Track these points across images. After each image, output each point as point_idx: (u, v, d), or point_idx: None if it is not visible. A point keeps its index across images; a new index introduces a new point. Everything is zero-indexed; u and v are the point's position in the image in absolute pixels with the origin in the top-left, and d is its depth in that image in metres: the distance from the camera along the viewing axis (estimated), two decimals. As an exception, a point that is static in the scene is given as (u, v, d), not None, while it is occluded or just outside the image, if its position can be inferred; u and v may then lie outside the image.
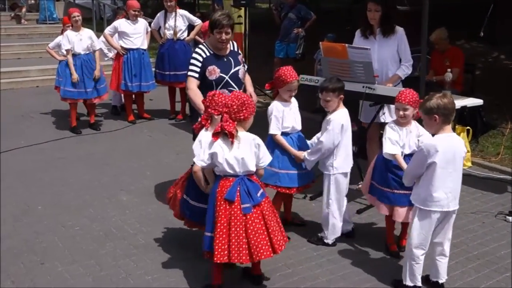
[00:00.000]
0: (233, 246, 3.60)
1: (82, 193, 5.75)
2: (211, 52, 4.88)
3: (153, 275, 4.10)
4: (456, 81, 7.13)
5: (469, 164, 6.56)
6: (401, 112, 4.24)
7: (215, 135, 3.66)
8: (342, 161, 4.54)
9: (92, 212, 5.25)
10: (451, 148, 3.63)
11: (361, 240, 4.70)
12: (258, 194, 3.71)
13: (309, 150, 4.58)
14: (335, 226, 4.61)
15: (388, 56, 5.48)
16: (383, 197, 4.35)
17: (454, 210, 3.72)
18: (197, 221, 4.18)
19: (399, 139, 4.25)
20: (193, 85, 4.85)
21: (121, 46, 8.37)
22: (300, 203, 5.39)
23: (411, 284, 3.80)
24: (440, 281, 3.88)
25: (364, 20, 5.54)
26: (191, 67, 4.90)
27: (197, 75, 4.85)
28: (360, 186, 5.69)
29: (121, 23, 8.35)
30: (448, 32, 7.45)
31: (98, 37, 8.42)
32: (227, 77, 4.87)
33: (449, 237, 3.85)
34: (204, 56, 4.86)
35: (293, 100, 4.70)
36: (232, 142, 3.63)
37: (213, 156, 3.69)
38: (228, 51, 4.96)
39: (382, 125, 5.82)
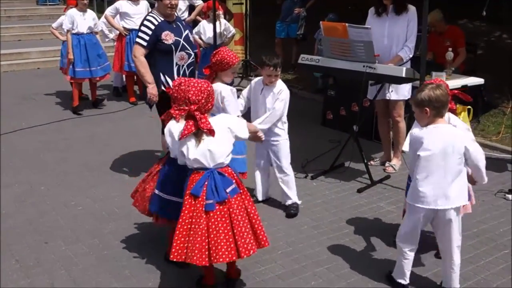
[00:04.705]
0: (189, 245, 3.32)
1: (84, 173, 5.79)
2: (161, 19, 5.12)
3: (156, 253, 4.14)
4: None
5: (470, 143, 6.60)
6: None
7: (186, 135, 3.35)
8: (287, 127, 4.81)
9: (95, 192, 5.30)
10: (441, 142, 3.35)
11: (361, 220, 4.74)
12: (228, 190, 3.40)
13: (258, 120, 4.59)
14: None
15: (398, 32, 5.50)
16: None
17: (445, 210, 3.40)
18: (171, 218, 3.75)
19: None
20: (139, 53, 5.09)
21: (123, 27, 8.36)
22: (301, 183, 5.41)
23: (397, 280, 3.66)
24: None
25: None
26: (140, 34, 5.10)
27: (145, 44, 5.06)
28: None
29: (122, 4, 8.33)
30: (449, 11, 7.41)
31: (99, 18, 8.41)
32: (182, 40, 5.14)
33: (458, 244, 3.52)
34: (156, 23, 5.09)
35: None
36: (199, 138, 3.36)
37: (182, 154, 3.46)
38: (174, 18, 5.24)
39: (389, 102, 5.83)
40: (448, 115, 3.71)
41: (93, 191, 5.33)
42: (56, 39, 8.77)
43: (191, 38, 5.39)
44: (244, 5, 10.54)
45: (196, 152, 3.38)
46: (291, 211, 4.79)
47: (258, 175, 5.00)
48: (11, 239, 4.38)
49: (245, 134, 3.59)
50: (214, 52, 4.39)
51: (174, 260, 3.39)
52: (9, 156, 6.28)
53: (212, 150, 3.38)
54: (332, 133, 6.98)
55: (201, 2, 8.87)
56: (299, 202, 4.88)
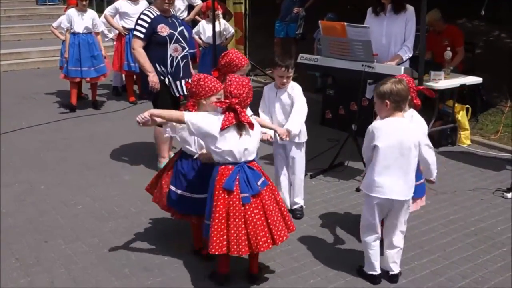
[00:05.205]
0: (232, 238, 3.44)
1: (84, 173, 5.81)
2: (157, 14, 5.45)
3: (155, 252, 4.16)
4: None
5: (468, 142, 6.65)
6: None
7: (227, 125, 3.43)
8: None
9: (95, 191, 5.32)
10: (398, 134, 3.49)
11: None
12: (259, 183, 3.53)
13: (289, 124, 4.39)
14: None
15: (396, 31, 5.53)
16: None
17: (400, 201, 3.55)
18: (186, 213, 3.93)
19: None
20: (137, 45, 5.41)
21: (123, 27, 8.38)
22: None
23: (368, 272, 3.77)
24: (391, 273, 3.75)
25: None
26: (137, 27, 5.43)
27: (142, 36, 5.39)
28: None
29: (122, 4, 8.34)
30: (447, 10, 7.43)
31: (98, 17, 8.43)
32: (176, 34, 5.45)
33: (402, 230, 3.69)
34: (152, 17, 5.41)
35: None
36: (241, 132, 3.47)
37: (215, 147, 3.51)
38: (170, 14, 5.60)
39: None
40: (411, 112, 3.89)
41: (92, 190, 5.35)
42: (56, 39, 8.82)
43: (186, 34, 5.64)
44: (243, 5, 10.55)
45: (233, 145, 3.47)
46: (297, 215, 4.72)
47: (282, 183, 4.79)
48: (11, 238, 4.39)
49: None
50: (223, 54, 4.39)
51: (216, 253, 3.48)
52: (9, 156, 6.29)
53: (248, 148, 3.52)
54: (331, 132, 7.00)
55: (200, 1, 8.89)
56: (304, 206, 4.82)
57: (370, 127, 3.60)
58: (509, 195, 5.11)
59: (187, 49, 5.64)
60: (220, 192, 3.48)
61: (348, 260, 4.03)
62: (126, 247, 4.26)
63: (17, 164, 6.04)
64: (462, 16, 9.87)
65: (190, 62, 5.80)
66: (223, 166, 3.51)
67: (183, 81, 5.61)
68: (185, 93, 5.73)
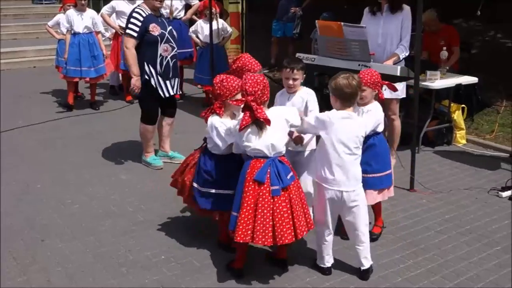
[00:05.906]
0: (258, 228, 3.52)
1: (81, 172, 5.81)
2: (149, 12, 5.48)
3: (152, 250, 4.18)
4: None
5: (464, 141, 6.67)
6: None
7: (246, 127, 3.55)
8: None
9: (92, 190, 5.32)
10: (343, 127, 3.59)
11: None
12: (288, 177, 3.62)
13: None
14: None
15: (393, 31, 5.54)
16: None
17: (348, 192, 3.62)
18: (209, 208, 3.98)
19: None
20: (130, 44, 5.43)
21: (119, 26, 8.37)
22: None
23: (319, 265, 3.88)
24: (362, 268, 3.79)
25: None
26: (130, 26, 5.42)
27: (135, 34, 5.40)
28: None
29: (118, 3, 8.31)
30: (443, 10, 7.45)
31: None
32: (166, 33, 5.49)
33: (366, 223, 3.75)
34: (144, 15, 5.44)
35: None
36: (262, 129, 3.55)
37: (244, 147, 3.66)
38: (160, 13, 5.66)
39: (384, 101, 5.86)
40: (374, 105, 4.03)
41: (89, 189, 5.35)
42: (52, 38, 8.81)
43: (175, 34, 5.69)
44: (240, 4, 10.55)
45: (259, 142, 3.57)
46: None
47: None
48: (8, 237, 4.40)
49: (298, 121, 3.77)
50: (236, 58, 4.39)
51: (241, 241, 3.56)
52: (5, 155, 6.29)
53: (274, 143, 3.59)
54: (328, 132, 7.00)
55: (197, 1, 8.89)
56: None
57: (322, 115, 3.68)
58: (503, 194, 5.14)
59: (176, 49, 5.68)
60: (251, 183, 3.57)
61: (344, 259, 4.05)
62: (123, 246, 4.27)
63: (14, 163, 6.04)
64: (458, 16, 9.90)
65: (178, 62, 5.88)
66: (255, 159, 3.62)
67: (172, 81, 5.70)
68: (176, 92, 5.86)
